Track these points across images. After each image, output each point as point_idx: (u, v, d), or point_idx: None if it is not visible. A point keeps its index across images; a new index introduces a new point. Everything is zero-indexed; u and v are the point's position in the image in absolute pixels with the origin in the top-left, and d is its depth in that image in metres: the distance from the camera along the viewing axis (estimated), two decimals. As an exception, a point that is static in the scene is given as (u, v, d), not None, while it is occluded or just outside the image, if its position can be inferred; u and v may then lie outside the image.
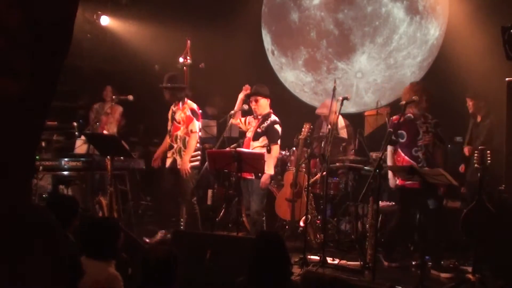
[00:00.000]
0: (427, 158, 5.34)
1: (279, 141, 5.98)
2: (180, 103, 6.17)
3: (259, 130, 5.94)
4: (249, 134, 6.05)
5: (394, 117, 5.53)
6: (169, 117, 6.25)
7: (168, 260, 2.75)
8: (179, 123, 6.15)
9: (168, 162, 6.20)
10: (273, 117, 5.97)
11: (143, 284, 2.75)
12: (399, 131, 5.40)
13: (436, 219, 5.23)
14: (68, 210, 3.41)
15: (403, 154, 5.44)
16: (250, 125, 6.13)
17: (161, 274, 2.72)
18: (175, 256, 2.79)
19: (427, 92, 5.36)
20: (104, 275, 2.93)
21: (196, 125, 6.10)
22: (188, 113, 6.12)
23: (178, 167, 6.08)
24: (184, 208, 6.27)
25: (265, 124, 5.92)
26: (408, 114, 5.37)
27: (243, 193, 5.99)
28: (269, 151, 5.86)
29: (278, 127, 5.93)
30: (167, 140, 6.27)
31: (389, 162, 5.53)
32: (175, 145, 6.15)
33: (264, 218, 6.13)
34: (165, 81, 6.16)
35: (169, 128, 6.24)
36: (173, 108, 6.22)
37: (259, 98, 5.98)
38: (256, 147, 5.88)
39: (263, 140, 5.92)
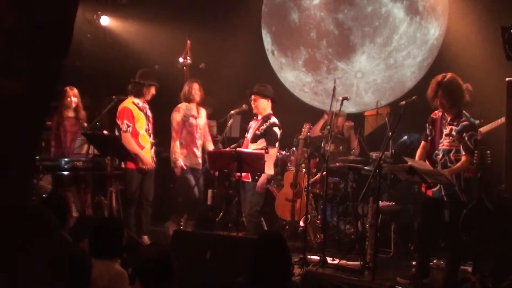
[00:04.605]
0: (446, 165, 4.79)
1: (277, 144, 5.93)
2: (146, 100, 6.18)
3: (257, 132, 5.88)
4: (248, 136, 6.01)
5: (436, 111, 4.99)
6: (144, 117, 6.11)
7: (164, 259, 2.76)
8: (152, 118, 6.20)
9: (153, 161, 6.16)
10: (273, 119, 5.90)
11: (141, 284, 2.75)
12: (431, 127, 4.96)
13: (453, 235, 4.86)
14: (60, 210, 3.46)
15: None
16: (249, 126, 6.09)
17: (157, 273, 2.72)
18: (170, 255, 2.80)
19: (447, 87, 4.75)
20: (111, 272, 3.04)
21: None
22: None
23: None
24: (183, 208, 6.28)
25: (264, 126, 5.86)
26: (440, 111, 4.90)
27: (240, 195, 5.96)
28: (267, 153, 5.83)
29: (277, 130, 5.87)
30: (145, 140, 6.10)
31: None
32: (153, 142, 6.18)
33: (262, 219, 6.10)
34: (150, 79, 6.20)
35: (145, 127, 6.10)
36: (143, 106, 6.12)
37: (258, 98, 5.94)
38: (254, 149, 5.80)
39: (261, 143, 5.86)
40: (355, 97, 7.90)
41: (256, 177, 5.79)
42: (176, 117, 6.25)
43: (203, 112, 6.47)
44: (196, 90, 6.29)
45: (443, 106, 4.83)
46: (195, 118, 6.34)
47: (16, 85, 1.29)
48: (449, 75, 4.85)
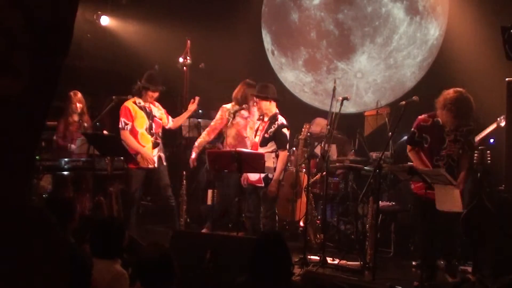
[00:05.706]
0: (450, 168, 4.84)
1: (287, 146, 5.84)
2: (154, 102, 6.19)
3: (266, 135, 5.73)
4: (256, 139, 5.86)
5: (422, 116, 5.00)
6: (145, 116, 6.06)
7: (164, 259, 2.76)
8: (160, 119, 6.18)
9: (156, 161, 6.10)
10: (280, 120, 5.75)
11: (141, 285, 2.75)
12: (424, 135, 4.94)
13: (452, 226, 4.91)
14: (65, 211, 3.45)
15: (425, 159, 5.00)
16: (257, 128, 5.99)
17: (158, 273, 2.72)
18: (170, 255, 2.80)
19: (458, 102, 4.72)
20: (112, 272, 3.04)
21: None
22: (161, 108, 6.27)
23: (164, 163, 6.14)
24: (184, 208, 6.27)
25: (272, 129, 5.73)
26: (437, 118, 4.89)
27: (247, 196, 5.93)
28: (277, 157, 5.77)
29: (285, 131, 5.72)
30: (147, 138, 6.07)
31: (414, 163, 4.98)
32: (159, 141, 6.15)
33: (277, 220, 6.09)
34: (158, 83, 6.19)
35: (146, 126, 6.04)
36: (146, 106, 6.08)
37: (259, 100, 5.85)
38: (265, 153, 5.70)
39: (271, 146, 5.74)
40: (355, 97, 7.90)
41: (269, 181, 5.74)
42: (217, 114, 6.34)
43: (255, 111, 6.20)
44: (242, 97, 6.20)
45: (456, 121, 4.79)
46: (245, 118, 6.21)
47: (16, 84, 1.29)
48: (464, 94, 4.77)
